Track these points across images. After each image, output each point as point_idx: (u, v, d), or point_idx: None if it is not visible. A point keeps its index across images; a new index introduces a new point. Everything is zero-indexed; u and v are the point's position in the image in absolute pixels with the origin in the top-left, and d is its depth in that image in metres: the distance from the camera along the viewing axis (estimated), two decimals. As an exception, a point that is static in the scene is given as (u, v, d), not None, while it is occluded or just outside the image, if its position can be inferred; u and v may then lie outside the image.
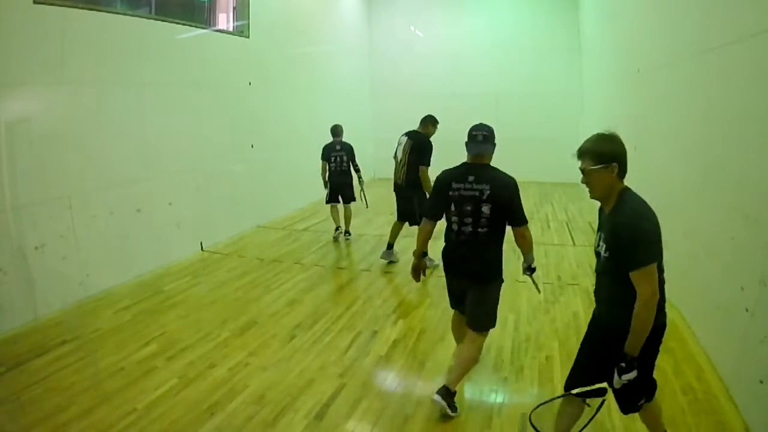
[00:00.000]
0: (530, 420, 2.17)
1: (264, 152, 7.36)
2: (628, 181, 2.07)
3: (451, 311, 3.22)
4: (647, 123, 5.24)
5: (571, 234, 6.72)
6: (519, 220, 2.72)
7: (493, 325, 2.91)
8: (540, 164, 10.83)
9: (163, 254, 5.48)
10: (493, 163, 2.84)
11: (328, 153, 6.34)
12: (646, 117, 5.30)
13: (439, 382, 3.13)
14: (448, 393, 2.72)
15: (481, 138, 2.76)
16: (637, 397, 2.07)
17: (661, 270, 1.96)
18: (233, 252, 6.03)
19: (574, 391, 2.15)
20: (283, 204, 7.98)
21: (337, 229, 6.61)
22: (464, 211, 2.72)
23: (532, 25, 10.84)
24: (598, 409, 2.14)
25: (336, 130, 6.42)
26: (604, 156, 1.96)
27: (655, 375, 3.03)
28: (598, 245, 2.10)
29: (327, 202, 6.56)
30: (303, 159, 7.58)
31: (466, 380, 3.15)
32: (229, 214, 6.62)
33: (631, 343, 1.87)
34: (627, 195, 1.99)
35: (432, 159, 5.09)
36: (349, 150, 6.36)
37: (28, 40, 3.99)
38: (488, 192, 2.65)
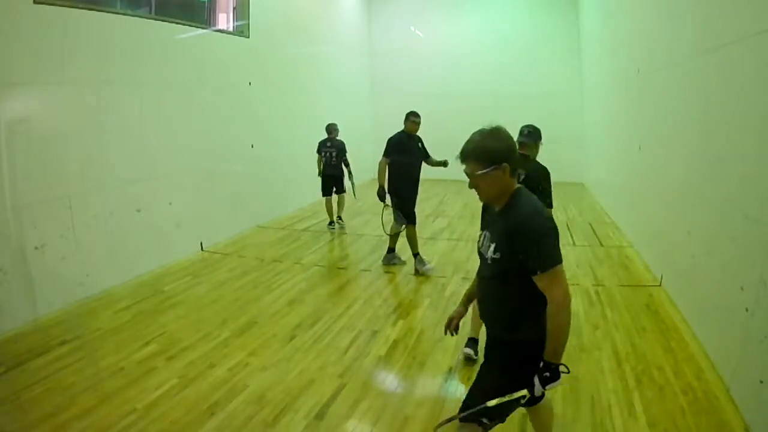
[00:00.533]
0: None
1: (264, 152, 7.36)
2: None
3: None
4: (647, 123, 5.25)
5: (570, 234, 6.71)
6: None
7: None
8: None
9: (163, 254, 5.48)
10: None
11: (320, 148, 7.08)
12: (647, 117, 5.31)
13: (439, 381, 3.14)
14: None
15: (526, 132, 3.45)
16: (483, 412, 1.76)
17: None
18: (233, 252, 6.03)
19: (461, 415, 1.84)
20: (283, 204, 7.98)
21: (330, 223, 7.16)
22: None
23: (532, 25, 10.86)
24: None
25: (329, 128, 7.10)
26: (493, 156, 1.73)
27: (656, 375, 3.04)
28: (482, 245, 1.89)
29: (323, 195, 7.17)
30: (303, 159, 7.60)
31: (466, 380, 3.16)
32: (229, 214, 6.62)
33: (549, 350, 1.67)
34: (521, 193, 1.80)
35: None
36: (339, 147, 7.04)
37: (28, 40, 3.99)
38: (522, 176, 3.00)
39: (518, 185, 1.83)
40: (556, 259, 1.67)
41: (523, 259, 1.69)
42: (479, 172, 1.75)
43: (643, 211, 5.40)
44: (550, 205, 3.21)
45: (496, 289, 1.84)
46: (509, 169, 1.74)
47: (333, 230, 7.07)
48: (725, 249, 3.04)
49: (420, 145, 5.26)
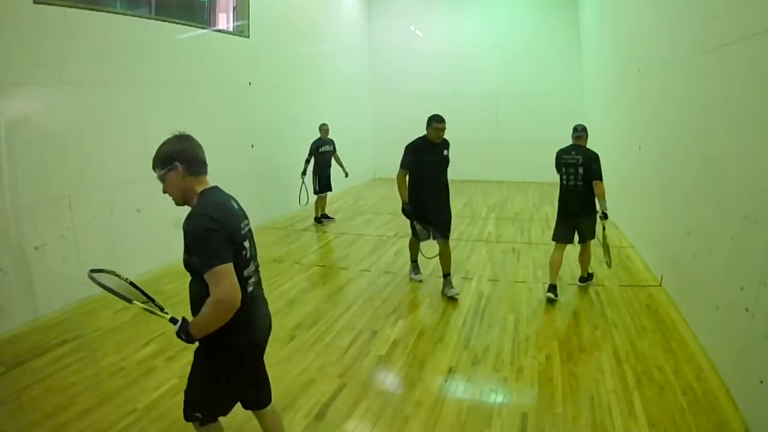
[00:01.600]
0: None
1: (264, 152, 7.36)
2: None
3: None
4: (647, 123, 5.24)
5: (571, 234, 6.72)
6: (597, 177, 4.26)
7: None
8: (540, 164, 10.73)
9: (163, 254, 5.47)
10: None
11: (318, 147, 7.23)
12: (647, 117, 5.30)
13: (439, 381, 3.14)
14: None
15: (580, 129, 4.48)
16: (188, 404, 2.03)
17: (244, 279, 1.86)
18: (233, 252, 6.02)
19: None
20: (283, 204, 7.98)
21: (320, 219, 7.49)
22: (569, 172, 4.40)
23: (532, 24, 10.85)
24: None
25: (325, 128, 7.34)
26: (164, 159, 1.87)
27: (656, 375, 3.04)
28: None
29: (320, 193, 7.37)
30: (303, 159, 7.59)
31: (465, 380, 3.16)
32: (229, 214, 6.60)
33: (194, 322, 1.84)
34: (206, 195, 1.90)
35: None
36: (334, 145, 7.40)
37: (28, 40, 3.98)
38: (581, 159, 4.29)
39: (213, 186, 1.96)
40: (214, 261, 1.71)
41: (194, 258, 1.79)
42: (157, 174, 1.89)
43: (643, 211, 5.40)
44: (602, 179, 4.25)
45: (192, 283, 1.95)
46: (182, 168, 1.86)
47: (323, 225, 7.37)
48: (725, 249, 3.04)
49: (445, 153, 4.42)
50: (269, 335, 2.11)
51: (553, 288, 4.35)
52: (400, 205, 4.49)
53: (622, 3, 6.58)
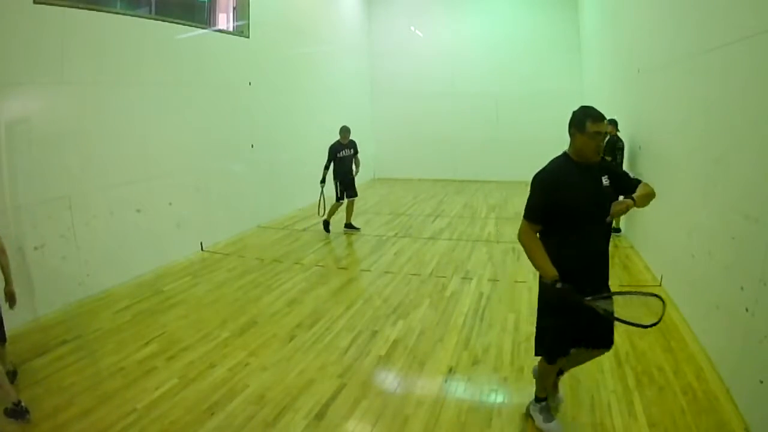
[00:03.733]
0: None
1: (264, 152, 7.36)
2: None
3: None
4: (647, 123, 5.25)
5: (571, 234, 6.71)
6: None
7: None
8: (540, 164, 10.77)
9: (163, 254, 5.48)
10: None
11: (337, 151, 6.67)
12: (647, 117, 5.30)
13: (439, 381, 3.14)
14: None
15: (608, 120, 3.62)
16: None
17: None
18: (233, 252, 6.03)
19: None
20: (283, 204, 7.98)
21: (346, 226, 6.98)
22: None
23: (532, 24, 10.85)
24: None
25: (347, 131, 6.80)
26: None
27: (656, 375, 3.04)
28: None
29: (346, 197, 6.83)
30: (303, 159, 7.60)
31: (465, 380, 3.16)
32: (229, 214, 6.61)
33: None
34: None
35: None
36: (355, 148, 6.85)
37: (28, 40, 3.99)
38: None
39: None
40: None
41: None
42: None
43: (643, 211, 5.39)
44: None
45: None
46: None
47: (351, 232, 6.91)
48: (725, 249, 3.04)
49: (606, 182, 2.39)
50: None
51: None
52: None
53: (622, 3, 6.58)
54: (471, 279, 5.00)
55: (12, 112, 3.93)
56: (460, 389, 3.07)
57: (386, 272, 5.28)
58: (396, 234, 6.74)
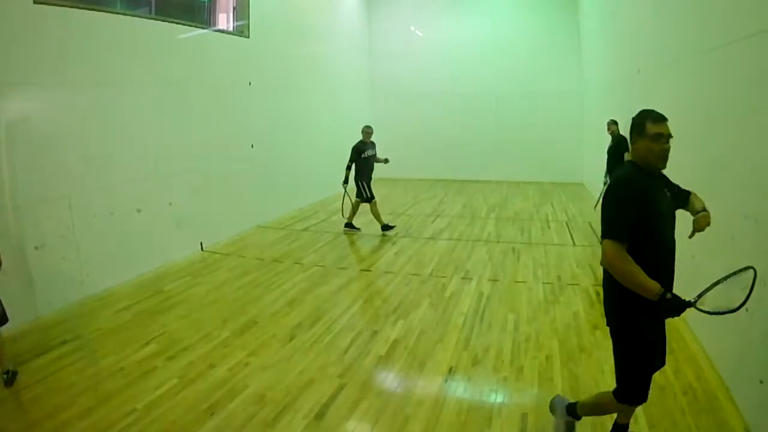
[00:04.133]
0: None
1: (264, 152, 7.36)
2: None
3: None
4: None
5: (571, 234, 6.71)
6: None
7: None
8: (540, 164, 10.85)
9: (163, 254, 5.48)
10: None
11: (361, 151, 6.62)
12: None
13: (439, 381, 3.14)
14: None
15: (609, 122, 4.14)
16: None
17: None
18: (233, 252, 6.03)
19: None
20: (283, 204, 7.98)
21: (346, 226, 6.92)
22: None
23: (532, 25, 10.86)
24: None
25: (370, 130, 6.74)
26: None
27: (656, 375, 3.05)
28: None
29: (371, 199, 6.74)
30: (303, 159, 7.59)
31: (465, 380, 3.16)
32: (229, 214, 6.61)
33: None
34: None
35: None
36: (375, 148, 6.82)
37: (28, 40, 3.99)
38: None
39: None
40: None
41: None
42: None
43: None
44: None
45: None
46: None
47: (389, 233, 6.74)
48: (725, 249, 3.04)
49: (668, 192, 2.39)
50: None
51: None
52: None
53: (622, 3, 6.58)
54: (471, 279, 5.00)
55: (12, 112, 3.93)
56: (460, 389, 3.07)
57: (386, 272, 5.28)
58: (396, 234, 6.74)
